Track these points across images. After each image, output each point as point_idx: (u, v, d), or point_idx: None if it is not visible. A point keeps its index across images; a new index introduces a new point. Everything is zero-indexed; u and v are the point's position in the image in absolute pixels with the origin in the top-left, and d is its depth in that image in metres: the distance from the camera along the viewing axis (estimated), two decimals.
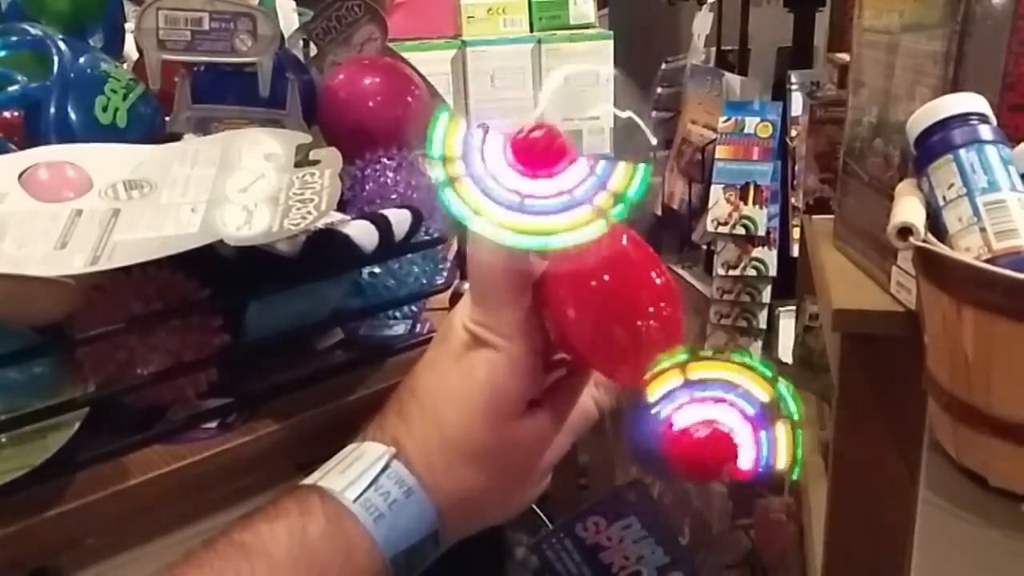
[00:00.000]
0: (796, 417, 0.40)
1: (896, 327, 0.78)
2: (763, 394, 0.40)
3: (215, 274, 0.58)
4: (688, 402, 0.40)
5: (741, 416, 0.40)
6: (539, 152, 0.38)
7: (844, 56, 1.29)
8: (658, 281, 0.42)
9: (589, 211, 0.37)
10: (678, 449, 0.40)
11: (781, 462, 0.40)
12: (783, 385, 0.40)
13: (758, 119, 1.57)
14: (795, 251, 1.51)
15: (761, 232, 1.55)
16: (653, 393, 0.40)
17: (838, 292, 0.85)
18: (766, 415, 0.40)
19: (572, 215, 0.37)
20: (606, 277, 0.41)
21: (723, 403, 0.40)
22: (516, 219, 0.37)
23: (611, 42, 1.53)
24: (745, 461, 0.40)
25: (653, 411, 0.40)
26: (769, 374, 0.40)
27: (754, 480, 0.41)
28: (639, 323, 0.41)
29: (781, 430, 0.40)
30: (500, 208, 0.37)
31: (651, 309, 0.41)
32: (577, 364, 0.46)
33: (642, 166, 0.37)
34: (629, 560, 0.59)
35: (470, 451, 0.43)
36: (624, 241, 0.42)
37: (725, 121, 1.59)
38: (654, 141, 0.44)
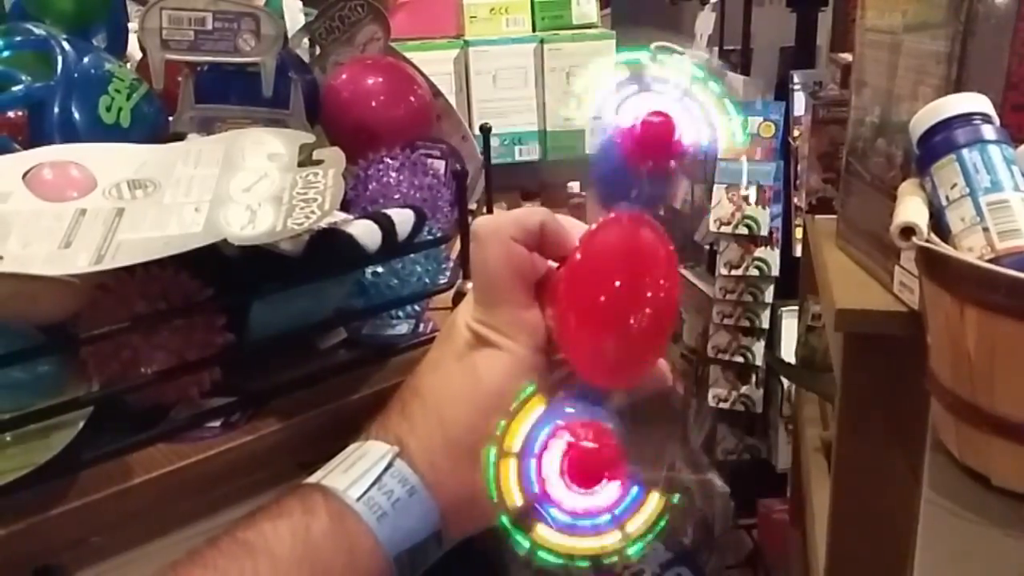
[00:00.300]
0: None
1: (899, 327, 0.78)
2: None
3: (219, 273, 0.58)
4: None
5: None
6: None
7: (847, 56, 1.29)
8: (662, 283, 0.42)
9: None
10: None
11: (632, 525, 0.38)
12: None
13: (761, 119, 1.57)
14: (798, 251, 1.51)
15: (764, 232, 1.55)
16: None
17: (841, 292, 0.85)
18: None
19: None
20: (615, 282, 0.41)
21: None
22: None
23: (613, 42, 1.53)
24: (602, 496, 0.39)
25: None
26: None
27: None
28: (631, 329, 0.41)
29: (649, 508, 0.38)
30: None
31: (648, 314, 0.41)
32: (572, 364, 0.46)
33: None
34: (632, 560, 0.59)
35: (473, 450, 0.42)
36: (636, 241, 0.42)
37: None
38: None
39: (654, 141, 0.40)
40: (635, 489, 0.38)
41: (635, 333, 0.40)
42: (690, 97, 0.41)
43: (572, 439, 0.38)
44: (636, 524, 0.38)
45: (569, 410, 0.39)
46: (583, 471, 0.38)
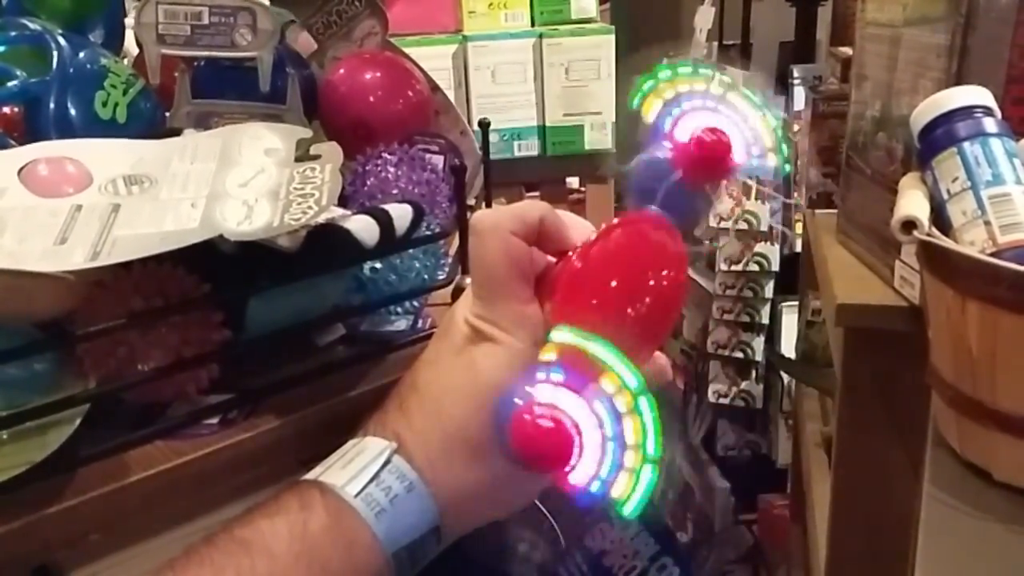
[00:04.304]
0: (649, 452, 0.37)
1: (899, 322, 0.78)
2: (609, 383, 0.37)
3: (216, 269, 0.57)
4: (552, 384, 0.38)
5: (597, 426, 0.37)
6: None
7: (846, 50, 1.29)
8: (664, 274, 0.41)
9: None
10: (517, 430, 0.37)
11: (617, 491, 0.37)
12: (647, 409, 0.37)
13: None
14: (798, 246, 1.51)
15: (764, 227, 1.54)
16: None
17: (841, 287, 0.84)
18: (623, 437, 0.37)
19: None
20: (612, 277, 0.41)
21: (586, 406, 0.38)
22: None
23: (612, 37, 1.52)
24: (578, 475, 0.37)
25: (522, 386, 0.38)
26: (634, 390, 0.37)
27: (577, 499, 0.37)
28: (638, 305, 0.40)
29: (631, 457, 0.37)
30: None
31: (648, 310, 0.41)
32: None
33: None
34: (627, 558, 0.59)
35: (472, 445, 0.42)
36: (631, 235, 0.42)
37: None
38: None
39: (709, 159, 0.41)
40: None
41: (630, 322, 0.40)
42: (742, 116, 0.42)
43: None
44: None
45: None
46: None
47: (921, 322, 0.69)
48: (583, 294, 0.41)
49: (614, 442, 0.37)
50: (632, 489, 0.37)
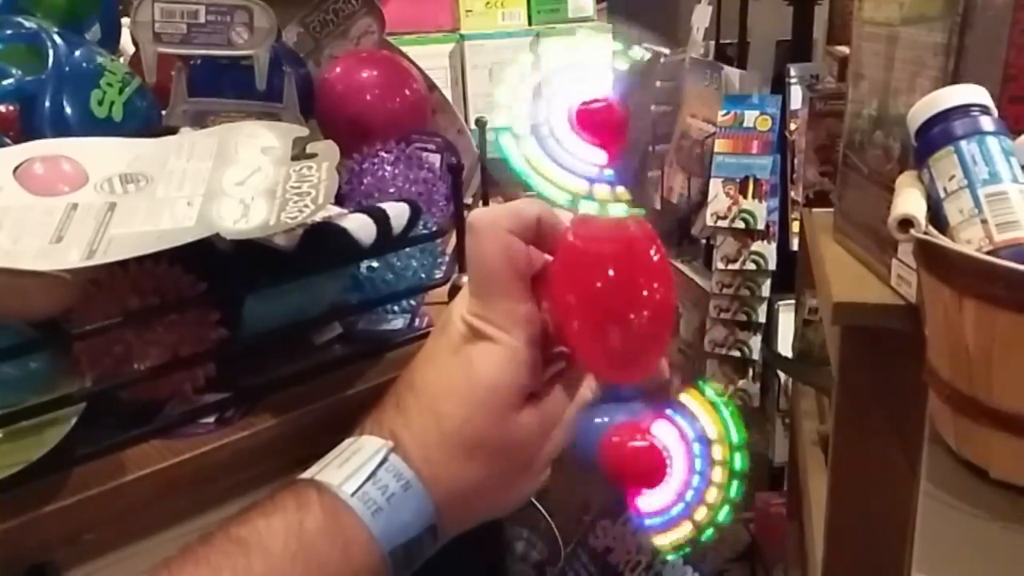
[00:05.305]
0: (736, 470, 0.40)
1: (896, 320, 0.78)
2: (713, 430, 0.41)
3: (212, 268, 0.57)
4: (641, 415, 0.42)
5: (684, 448, 0.41)
6: (599, 122, 0.40)
7: (844, 49, 1.29)
8: (657, 269, 0.42)
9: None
10: (611, 453, 0.41)
11: (699, 514, 0.41)
12: (735, 431, 0.41)
13: (757, 113, 1.56)
14: (795, 245, 1.51)
15: (760, 226, 1.54)
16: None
17: (838, 285, 0.84)
18: (709, 457, 0.41)
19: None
20: (609, 271, 0.41)
21: (674, 428, 0.42)
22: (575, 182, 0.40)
23: (610, 36, 1.52)
24: (665, 492, 0.41)
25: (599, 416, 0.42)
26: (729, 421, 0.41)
27: (655, 519, 0.41)
28: (632, 316, 0.41)
29: (718, 475, 0.41)
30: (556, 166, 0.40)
31: (647, 302, 0.41)
32: (576, 357, 0.46)
33: None
34: (631, 552, 0.59)
35: (468, 444, 0.42)
36: (628, 232, 0.42)
37: (724, 115, 1.58)
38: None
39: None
40: None
41: (636, 323, 0.40)
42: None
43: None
44: None
45: None
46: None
47: (918, 321, 0.69)
48: (584, 277, 0.42)
49: (700, 474, 0.40)
50: (706, 524, 0.40)
